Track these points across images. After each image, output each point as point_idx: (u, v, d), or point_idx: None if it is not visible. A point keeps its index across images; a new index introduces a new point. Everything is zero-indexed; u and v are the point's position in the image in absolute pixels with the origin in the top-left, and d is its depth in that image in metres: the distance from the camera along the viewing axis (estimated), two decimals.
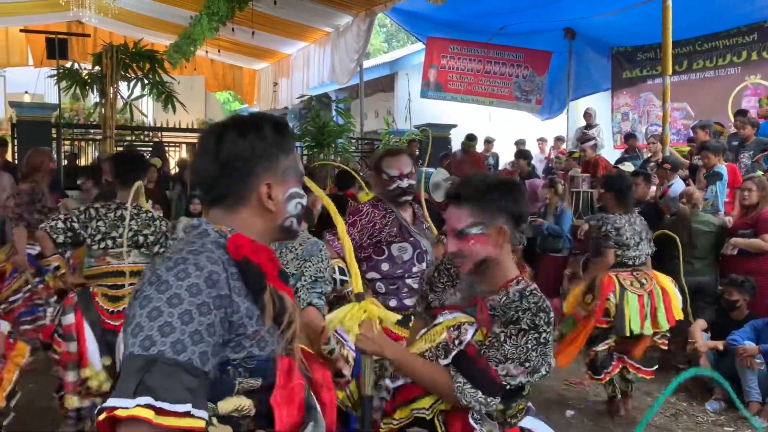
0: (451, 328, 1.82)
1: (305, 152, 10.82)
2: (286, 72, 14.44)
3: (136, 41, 8.59)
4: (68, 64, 9.00)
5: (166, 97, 8.59)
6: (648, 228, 4.61)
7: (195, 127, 12.14)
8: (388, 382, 1.88)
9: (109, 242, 3.45)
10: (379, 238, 3.10)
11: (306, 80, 13.24)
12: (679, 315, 4.49)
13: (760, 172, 6.18)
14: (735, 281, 4.91)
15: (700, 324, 4.98)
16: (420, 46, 12.56)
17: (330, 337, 2.47)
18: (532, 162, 9.65)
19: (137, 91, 8.89)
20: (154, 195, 8.35)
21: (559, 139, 11.32)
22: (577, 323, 4.53)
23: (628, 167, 7.39)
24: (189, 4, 11.13)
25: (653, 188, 6.49)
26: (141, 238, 3.49)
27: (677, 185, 6.29)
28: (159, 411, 1.05)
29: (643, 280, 4.46)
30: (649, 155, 8.37)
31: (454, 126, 11.77)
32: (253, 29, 10.84)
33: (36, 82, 14.01)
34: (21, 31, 12.82)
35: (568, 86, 10.91)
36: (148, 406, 1.05)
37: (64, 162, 10.13)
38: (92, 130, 11.19)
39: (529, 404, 1.99)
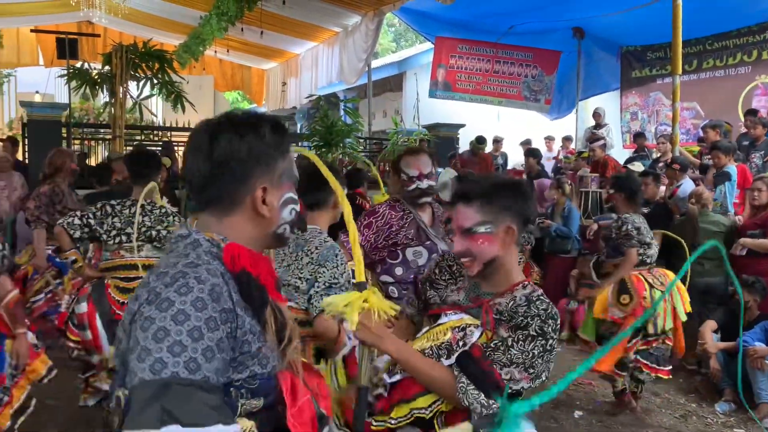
0: (456, 329, 1.80)
1: (314, 152, 10.83)
2: (294, 72, 14.47)
3: (146, 41, 8.63)
4: (78, 64, 9.05)
5: (176, 96, 8.63)
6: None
7: None
8: (385, 376, 1.84)
9: (124, 237, 3.58)
10: (396, 240, 3.03)
11: (314, 80, 13.26)
12: (689, 309, 4.53)
13: None
14: (746, 282, 4.88)
15: (710, 325, 4.95)
16: (428, 45, 12.55)
17: (346, 341, 2.46)
18: (541, 161, 9.63)
19: (146, 91, 8.93)
20: (164, 194, 8.38)
21: (567, 139, 11.29)
22: (597, 327, 4.48)
23: (638, 167, 7.37)
24: (198, 4, 11.16)
25: (662, 188, 6.46)
26: (154, 233, 3.60)
27: (686, 185, 6.25)
28: None
29: (661, 278, 4.46)
30: (658, 155, 8.33)
31: (463, 126, 11.76)
32: (261, 29, 10.87)
33: (46, 82, 14.12)
34: (32, 31, 12.90)
35: (577, 86, 10.88)
36: None
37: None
38: (102, 130, 11.24)
39: None
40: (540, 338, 1.73)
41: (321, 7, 10.69)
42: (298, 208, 1.34)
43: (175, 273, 1.11)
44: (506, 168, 11.18)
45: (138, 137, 11.48)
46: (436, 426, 1.77)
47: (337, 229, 4.02)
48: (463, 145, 11.63)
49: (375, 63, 14.44)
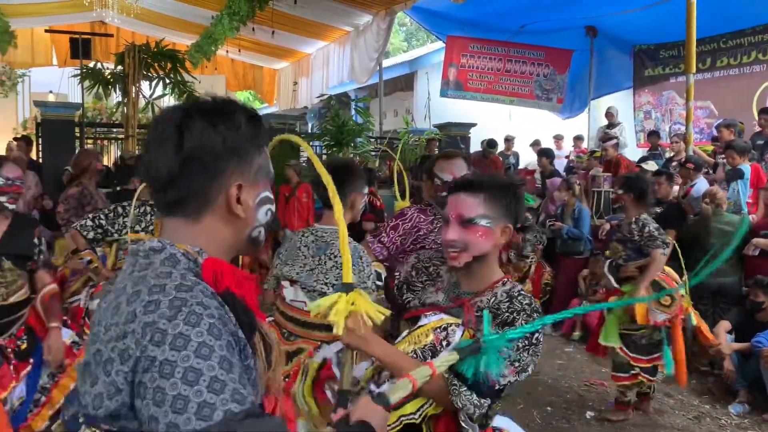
0: (438, 330, 1.78)
1: (325, 151, 10.86)
2: (305, 71, 14.50)
3: (158, 41, 8.69)
4: (91, 64, 9.14)
5: (188, 96, 8.67)
6: None
7: None
8: (372, 386, 1.81)
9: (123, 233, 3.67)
10: (423, 244, 2.94)
11: (325, 79, 13.28)
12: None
13: None
14: (761, 282, 4.83)
15: (724, 325, 4.90)
16: (440, 44, 12.54)
17: None
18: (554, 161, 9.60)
19: (159, 91, 8.99)
20: None
21: (578, 138, 11.24)
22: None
23: (651, 166, 7.32)
24: (210, 4, 11.21)
25: (676, 188, 6.41)
26: None
27: (700, 185, 6.19)
28: None
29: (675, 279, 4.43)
30: (671, 154, 8.27)
31: (474, 125, 11.74)
32: (273, 29, 10.90)
33: (60, 82, 14.23)
34: (46, 31, 13.02)
35: (590, 85, 10.82)
36: None
37: None
38: (115, 129, 11.32)
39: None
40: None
41: (332, 7, 10.70)
42: (273, 208, 1.22)
43: (173, 301, 0.96)
44: (518, 167, 11.14)
45: None
46: (425, 430, 1.75)
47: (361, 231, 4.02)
48: (474, 145, 11.61)
49: (386, 62, 14.44)
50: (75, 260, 5.02)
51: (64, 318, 3.30)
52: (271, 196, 1.20)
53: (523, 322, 1.72)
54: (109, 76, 8.65)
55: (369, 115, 10.94)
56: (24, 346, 3.01)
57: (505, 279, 1.87)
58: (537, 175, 9.29)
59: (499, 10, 9.96)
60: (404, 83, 15.24)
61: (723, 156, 6.66)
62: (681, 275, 4.57)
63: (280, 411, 1.22)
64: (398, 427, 1.74)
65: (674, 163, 7.55)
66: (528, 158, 11.83)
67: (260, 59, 15.69)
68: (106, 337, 0.99)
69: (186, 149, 1.06)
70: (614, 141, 8.58)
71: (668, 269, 4.48)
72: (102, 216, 3.64)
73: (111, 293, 1.07)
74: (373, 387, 1.79)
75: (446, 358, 1.54)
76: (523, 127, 12.73)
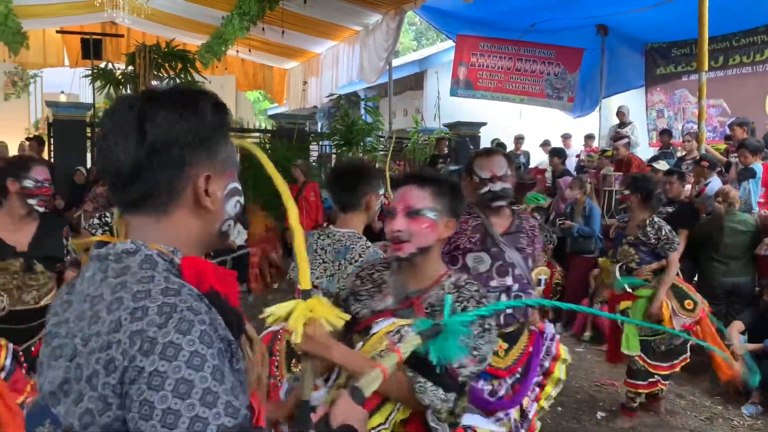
0: (391, 333, 1.77)
1: (334, 150, 10.87)
2: (315, 71, 14.51)
3: (169, 41, 8.71)
4: (102, 64, 9.19)
5: None
6: None
7: None
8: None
9: None
10: (457, 244, 2.88)
11: (335, 79, 13.28)
12: None
13: None
14: None
15: (737, 326, 4.86)
16: (450, 43, 12.51)
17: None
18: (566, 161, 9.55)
19: None
20: None
21: (589, 137, 11.18)
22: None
23: (663, 165, 7.26)
24: (220, 4, 11.24)
25: (688, 187, 6.36)
26: None
27: (715, 184, 6.12)
28: None
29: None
30: (683, 153, 8.21)
31: (484, 124, 11.71)
32: (283, 28, 10.92)
33: (71, 82, 14.31)
34: (57, 32, 13.11)
35: (601, 83, 10.76)
36: None
37: None
38: None
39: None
40: (479, 319, 1.75)
41: (342, 6, 10.70)
42: (242, 200, 1.16)
43: (161, 307, 0.91)
44: (528, 166, 11.10)
45: None
46: None
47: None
48: (485, 144, 11.57)
49: (396, 61, 14.43)
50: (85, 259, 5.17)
51: None
52: (240, 187, 1.15)
53: (473, 308, 1.75)
54: (120, 77, 8.69)
55: (378, 115, 10.93)
56: None
57: (450, 272, 1.90)
58: (548, 175, 9.25)
59: (509, 8, 9.92)
60: (414, 82, 15.22)
61: (735, 155, 6.61)
62: (694, 275, 4.54)
63: (263, 413, 1.17)
64: None
65: (686, 162, 7.50)
66: (539, 157, 11.79)
67: (270, 59, 15.72)
68: (87, 350, 0.93)
69: (150, 140, 1.00)
70: (625, 140, 8.53)
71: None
72: (107, 214, 3.68)
73: (74, 303, 1.01)
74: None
75: (410, 342, 1.54)
76: (533, 126, 12.68)
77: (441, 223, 1.86)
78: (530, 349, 2.93)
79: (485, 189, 2.88)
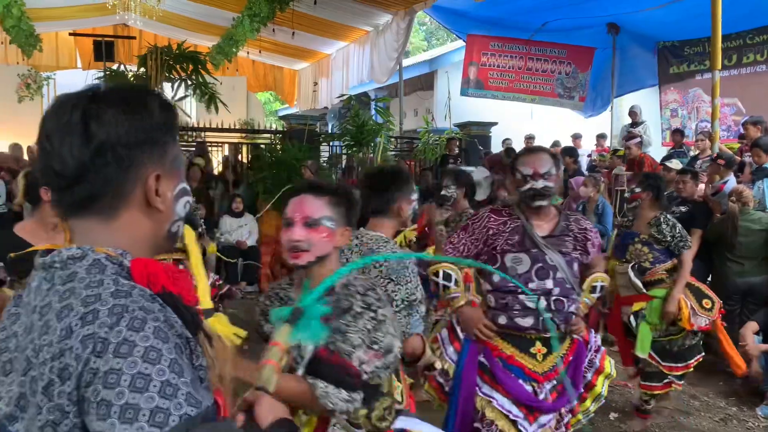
0: (293, 349, 1.76)
1: (345, 151, 10.87)
2: (326, 72, 14.53)
3: (180, 43, 8.75)
4: (114, 66, 9.23)
5: (209, 97, 8.73)
6: None
7: (237, 127, 12.31)
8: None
9: None
10: (495, 245, 2.80)
11: (345, 80, 13.30)
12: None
13: None
14: None
15: (752, 326, 4.80)
16: (460, 43, 12.50)
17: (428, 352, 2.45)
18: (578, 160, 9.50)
19: (181, 92, 9.05)
20: (198, 194, 8.50)
21: (601, 137, 11.12)
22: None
23: (675, 165, 7.20)
24: (231, 6, 11.29)
25: (701, 186, 6.29)
26: None
27: (732, 182, 6.03)
28: None
29: None
30: (697, 152, 8.14)
31: (495, 124, 11.68)
32: (293, 30, 10.94)
33: (84, 84, 14.41)
34: (70, 34, 13.21)
35: (612, 83, 10.70)
36: None
37: None
38: None
39: (400, 407, 1.98)
40: (367, 311, 1.78)
41: (352, 7, 10.72)
42: (191, 200, 1.14)
43: (112, 308, 0.88)
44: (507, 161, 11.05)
45: None
46: None
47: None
48: (495, 144, 11.55)
49: (406, 62, 14.43)
50: None
51: None
52: (188, 188, 1.12)
53: (359, 303, 1.79)
54: (131, 79, 8.74)
55: (389, 115, 10.92)
56: None
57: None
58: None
59: (519, 8, 9.89)
60: (424, 83, 15.22)
61: (749, 154, 6.53)
62: (708, 275, 4.48)
63: (228, 408, 1.17)
64: None
65: (699, 161, 7.43)
66: None
67: (281, 60, 15.77)
68: (40, 360, 0.89)
69: (97, 139, 0.96)
70: (638, 139, 8.47)
71: None
72: None
73: (22, 315, 0.98)
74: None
75: (280, 331, 1.54)
76: (545, 126, 12.63)
77: (338, 231, 1.90)
78: (570, 357, 2.84)
79: (526, 186, 2.77)
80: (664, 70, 10.68)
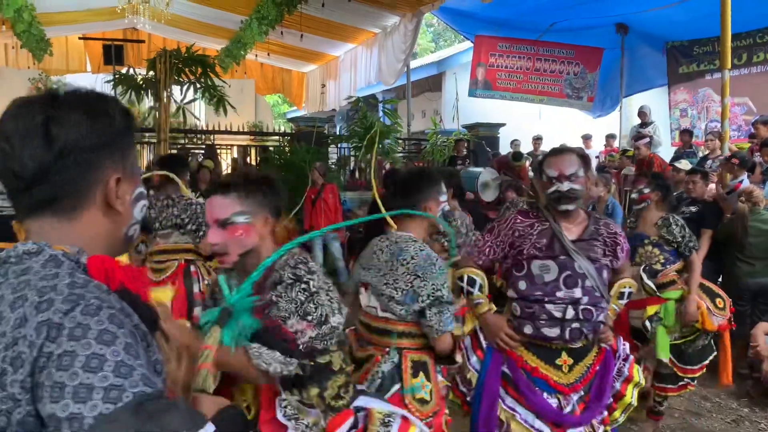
0: (219, 344, 1.77)
1: (353, 153, 10.89)
2: (333, 74, 14.56)
3: (189, 46, 8.78)
4: (124, 70, 9.27)
5: (218, 100, 8.76)
6: None
7: (246, 129, 12.36)
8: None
9: (157, 224, 4.11)
10: (521, 249, 2.68)
11: (353, 82, 13.32)
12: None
13: None
14: None
15: (763, 327, 4.73)
16: (468, 44, 12.48)
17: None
18: None
19: (190, 95, 9.09)
20: (207, 196, 8.53)
21: (610, 137, 11.08)
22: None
23: (685, 165, 7.16)
24: (239, 9, 11.33)
25: (712, 186, 6.25)
26: (179, 221, 4.11)
27: (747, 182, 5.97)
28: None
29: None
30: (706, 152, 8.10)
31: (503, 125, 11.66)
32: (301, 32, 10.97)
33: (94, 88, 14.37)
34: (80, 38, 13.29)
35: (621, 83, 10.66)
36: None
37: None
38: (147, 134, 11.50)
39: (360, 387, 1.96)
40: (298, 283, 1.78)
41: (360, 9, 10.73)
42: (147, 204, 1.19)
43: (68, 297, 0.89)
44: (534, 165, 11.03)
45: (182, 141, 11.71)
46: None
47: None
48: (503, 145, 11.53)
49: (414, 63, 14.43)
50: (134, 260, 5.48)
51: None
52: (145, 192, 1.15)
53: (289, 275, 1.79)
54: (141, 82, 8.77)
55: (397, 117, 10.93)
56: None
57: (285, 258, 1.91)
58: None
59: (527, 8, 9.87)
60: (432, 84, 15.21)
61: (759, 154, 6.50)
62: (718, 275, 4.44)
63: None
64: None
65: (709, 162, 7.39)
66: None
67: (289, 63, 15.80)
68: None
69: (59, 142, 0.98)
70: (646, 140, 8.44)
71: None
72: None
73: None
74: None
75: (213, 335, 1.55)
76: (553, 127, 12.60)
77: (257, 222, 1.87)
78: (597, 368, 2.73)
79: (552, 189, 2.65)
80: (673, 70, 10.63)
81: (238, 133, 11.42)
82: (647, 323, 4.07)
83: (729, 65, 6.62)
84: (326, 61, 14.91)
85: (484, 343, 2.82)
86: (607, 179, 6.88)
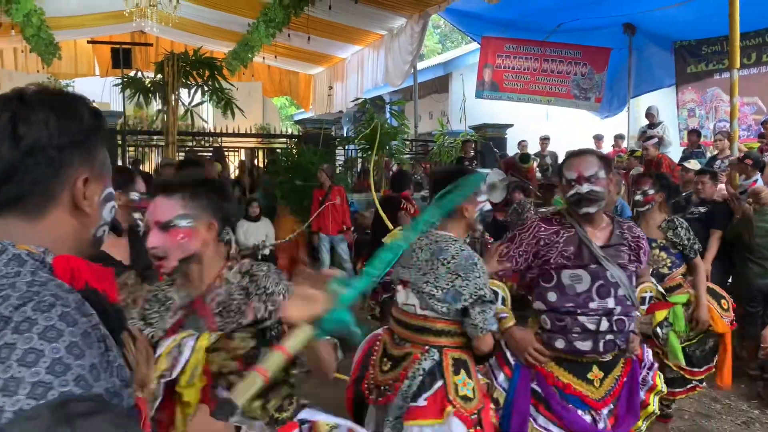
0: (174, 350, 1.71)
1: (360, 154, 10.90)
2: (340, 76, 14.57)
3: (196, 49, 8.82)
4: (132, 73, 9.33)
5: (225, 103, 8.80)
6: None
7: (253, 132, 12.39)
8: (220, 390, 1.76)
9: None
10: (548, 258, 2.56)
11: (360, 83, 13.33)
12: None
13: None
14: None
15: None
16: (474, 45, 12.48)
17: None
18: None
19: (198, 98, 9.12)
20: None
21: (619, 137, 11.03)
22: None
23: (694, 165, 7.12)
24: (246, 12, 11.36)
25: (720, 186, 6.21)
26: None
27: (761, 183, 5.90)
28: None
29: None
30: (715, 152, 8.05)
31: (510, 126, 11.65)
32: (308, 34, 10.99)
33: (102, 91, 14.57)
34: (88, 42, 13.37)
35: (629, 83, 10.61)
36: None
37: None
38: (155, 137, 11.56)
39: (305, 401, 1.89)
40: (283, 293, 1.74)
41: (366, 11, 10.73)
42: (116, 206, 1.14)
43: (23, 294, 0.87)
44: (555, 168, 11.01)
45: (189, 143, 11.75)
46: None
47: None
48: (511, 146, 11.51)
49: (420, 65, 14.43)
50: None
51: None
52: (114, 193, 1.12)
53: (274, 280, 1.76)
54: (149, 85, 8.82)
55: (404, 118, 10.93)
56: None
57: (229, 264, 1.82)
58: None
59: (534, 9, 9.85)
60: (439, 85, 15.21)
61: None
62: (727, 276, 4.41)
63: (146, 416, 1.14)
64: None
65: (718, 162, 7.35)
66: None
67: (296, 65, 15.83)
68: None
69: (27, 140, 0.97)
70: (655, 140, 8.40)
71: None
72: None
73: None
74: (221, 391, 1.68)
75: (300, 336, 1.43)
76: (561, 128, 12.57)
77: (200, 227, 1.76)
78: (624, 379, 2.65)
79: (572, 191, 2.55)
80: (681, 70, 10.57)
81: (245, 135, 11.45)
82: (658, 330, 3.97)
83: (738, 65, 6.58)
84: (333, 63, 14.93)
85: (511, 360, 2.68)
86: (616, 180, 6.84)
